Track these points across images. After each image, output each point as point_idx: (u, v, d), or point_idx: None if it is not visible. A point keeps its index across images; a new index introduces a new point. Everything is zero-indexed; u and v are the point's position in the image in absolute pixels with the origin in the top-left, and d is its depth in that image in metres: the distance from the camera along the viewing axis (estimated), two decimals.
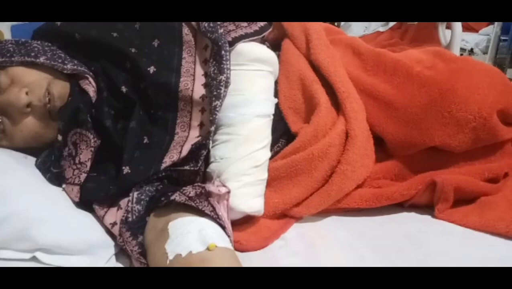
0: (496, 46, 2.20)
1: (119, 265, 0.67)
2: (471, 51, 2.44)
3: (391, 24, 1.91)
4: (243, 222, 0.76)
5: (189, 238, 0.59)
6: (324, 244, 0.76)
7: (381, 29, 1.93)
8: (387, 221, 0.82)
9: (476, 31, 2.60)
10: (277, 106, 0.83)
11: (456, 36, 1.43)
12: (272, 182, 0.79)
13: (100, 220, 0.70)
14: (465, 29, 1.42)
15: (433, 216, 0.82)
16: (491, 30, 2.35)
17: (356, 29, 2.04)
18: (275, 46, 0.91)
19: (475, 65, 0.85)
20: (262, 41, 0.87)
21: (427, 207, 0.83)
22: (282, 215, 0.81)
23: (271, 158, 0.80)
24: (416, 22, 1.68)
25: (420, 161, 0.85)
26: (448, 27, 1.47)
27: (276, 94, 0.84)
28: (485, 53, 2.37)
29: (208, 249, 0.57)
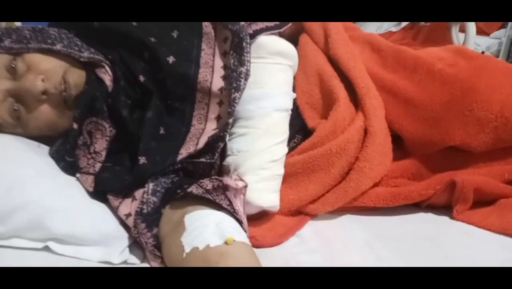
0: (508, 49, 2.17)
1: (133, 257, 0.66)
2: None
3: (404, 24, 1.89)
4: (258, 218, 0.75)
5: (207, 232, 0.58)
6: (340, 243, 0.75)
7: (394, 29, 1.91)
8: (404, 221, 0.80)
9: (487, 34, 2.57)
10: (294, 101, 0.82)
11: (470, 37, 1.41)
12: (288, 178, 0.78)
13: (114, 210, 0.69)
14: (476, 32, 1.41)
15: (451, 217, 0.80)
16: (503, 33, 2.32)
17: (368, 29, 2.02)
18: (292, 41, 0.90)
19: (497, 63, 0.83)
20: (280, 36, 0.85)
21: (444, 208, 0.82)
22: (297, 212, 0.79)
23: (287, 154, 0.79)
24: (429, 23, 1.67)
25: (439, 160, 0.84)
26: (462, 30, 1.45)
27: (293, 89, 0.83)
28: (496, 56, 2.35)
29: (226, 243, 0.56)
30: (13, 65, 0.71)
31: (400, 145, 0.85)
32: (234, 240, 0.57)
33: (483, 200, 0.80)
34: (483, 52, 2.48)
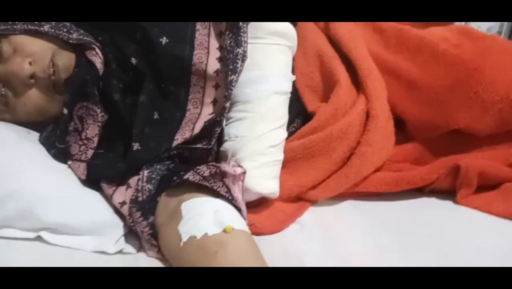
0: (510, 30, 2.14)
1: (129, 246, 0.64)
2: None
3: None
4: (257, 205, 0.73)
5: (205, 220, 0.56)
6: (341, 230, 0.73)
7: None
8: (406, 206, 0.79)
9: None
10: (293, 84, 0.79)
11: None
12: (287, 163, 0.76)
13: (108, 199, 0.67)
14: None
15: (455, 202, 0.79)
16: None
17: None
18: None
19: (504, 44, 0.81)
20: None
21: (447, 193, 0.80)
22: (298, 198, 0.77)
23: (286, 139, 0.77)
24: None
25: (442, 144, 0.82)
26: None
27: (292, 72, 0.80)
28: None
29: (224, 231, 0.54)
30: None
31: (402, 129, 0.83)
32: (233, 228, 0.55)
33: (487, 185, 0.79)
34: None
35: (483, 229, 0.73)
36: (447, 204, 0.79)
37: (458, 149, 0.81)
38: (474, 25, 1.47)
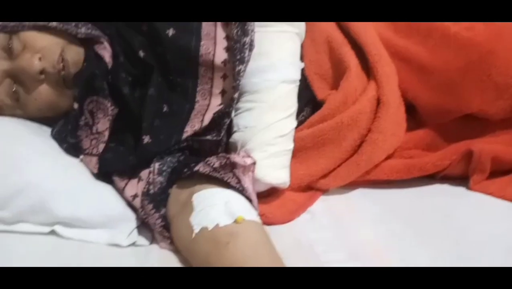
0: None
1: (142, 239, 0.65)
2: None
3: None
4: (268, 194, 0.73)
5: (215, 211, 0.57)
6: (352, 218, 0.73)
7: None
8: (419, 193, 0.78)
9: None
10: (301, 72, 0.78)
11: None
12: (297, 152, 0.75)
13: (120, 192, 0.68)
14: None
15: (468, 188, 0.78)
16: None
17: None
18: None
19: None
20: None
21: (460, 179, 0.79)
22: (308, 188, 0.77)
23: (296, 128, 0.76)
24: None
25: (454, 129, 0.80)
26: None
27: (300, 59, 0.79)
28: None
29: (235, 222, 0.55)
30: (10, 45, 0.69)
31: (413, 115, 0.82)
32: (244, 219, 0.55)
33: (501, 170, 0.78)
34: None
35: (496, 215, 0.72)
36: (460, 190, 0.78)
37: (471, 134, 0.80)
38: None
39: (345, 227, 0.69)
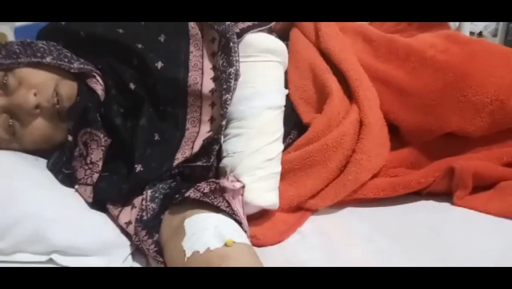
0: (506, 28, 2.14)
1: (136, 264, 0.66)
2: (480, 34, 2.39)
3: None
4: (259, 216, 0.75)
5: (206, 235, 0.58)
6: (341, 237, 0.74)
7: None
8: (405, 210, 0.80)
9: None
10: (287, 97, 0.82)
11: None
12: (286, 174, 0.78)
13: (115, 219, 0.69)
14: None
15: (452, 203, 0.79)
16: None
17: None
18: (283, 36, 0.89)
19: (490, 47, 0.82)
20: (270, 32, 0.85)
21: (445, 195, 0.81)
22: (298, 208, 0.79)
23: (283, 151, 0.79)
24: None
25: (437, 147, 0.83)
26: None
27: (286, 85, 0.83)
28: (494, 35, 2.32)
29: (226, 245, 0.56)
30: (5, 81, 0.71)
31: (397, 135, 0.85)
32: (234, 242, 0.56)
33: (483, 185, 0.80)
34: (480, 32, 2.45)
35: (481, 229, 0.73)
36: (445, 206, 0.79)
37: (453, 151, 0.82)
38: (469, 24, 1.49)
39: (334, 246, 0.71)
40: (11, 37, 1.29)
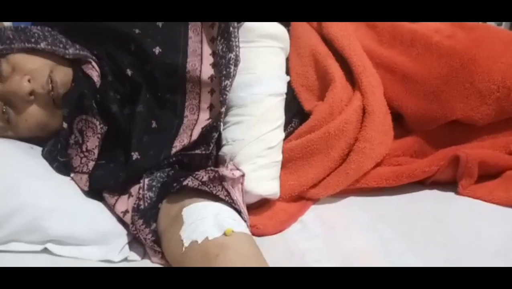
0: (509, 27, 2.12)
1: (133, 254, 0.65)
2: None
3: None
4: (259, 206, 0.74)
5: (205, 224, 0.57)
6: (343, 226, 0.73)
7: None
8: (408, 200, 0.79)
9: None
10: (289, 84, 0.80)
11: None
12: (287, 163, 0.77)
13: (111, 208, 0.68)
14: None
15: (457, 193, 0.79)
16: None
17: None
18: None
19: (497, 32, 0.81)
20: None
21: (449, 184, 0.80)
22: (299, 198, 0.78)
23: (284, 139, 0.77)
24: None
25: (441, 136, 0.82)
26: None
27: (287, 72, 0.81)
28: (499, 24, 2.29)
29: (225, 234, 0.55)
30: None
31: (401, 123, 0.83)
32: (233, 231, 0.56)
33: (488, 174, 0.79)
34: None
35: (485, 219, 0.72)
36: (449, 195, 0.79)
37: (458, 139, 0.81)
38: None
39: (336, 236, 0.70)
40: None
